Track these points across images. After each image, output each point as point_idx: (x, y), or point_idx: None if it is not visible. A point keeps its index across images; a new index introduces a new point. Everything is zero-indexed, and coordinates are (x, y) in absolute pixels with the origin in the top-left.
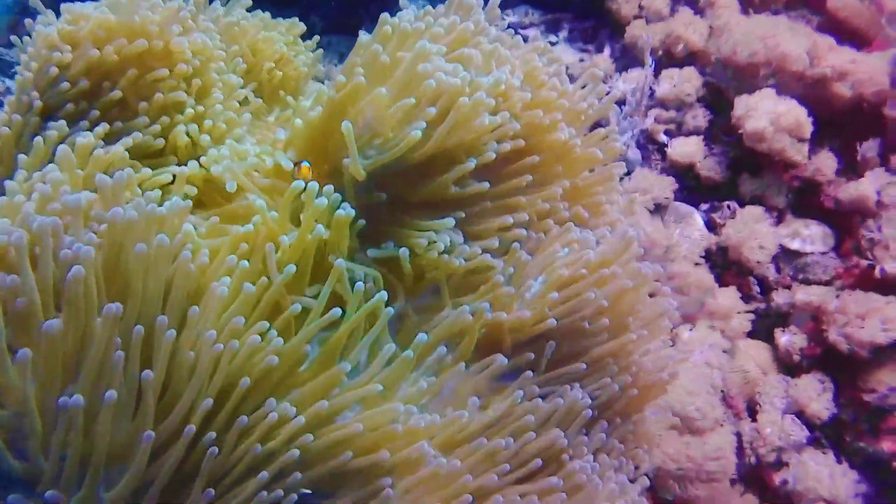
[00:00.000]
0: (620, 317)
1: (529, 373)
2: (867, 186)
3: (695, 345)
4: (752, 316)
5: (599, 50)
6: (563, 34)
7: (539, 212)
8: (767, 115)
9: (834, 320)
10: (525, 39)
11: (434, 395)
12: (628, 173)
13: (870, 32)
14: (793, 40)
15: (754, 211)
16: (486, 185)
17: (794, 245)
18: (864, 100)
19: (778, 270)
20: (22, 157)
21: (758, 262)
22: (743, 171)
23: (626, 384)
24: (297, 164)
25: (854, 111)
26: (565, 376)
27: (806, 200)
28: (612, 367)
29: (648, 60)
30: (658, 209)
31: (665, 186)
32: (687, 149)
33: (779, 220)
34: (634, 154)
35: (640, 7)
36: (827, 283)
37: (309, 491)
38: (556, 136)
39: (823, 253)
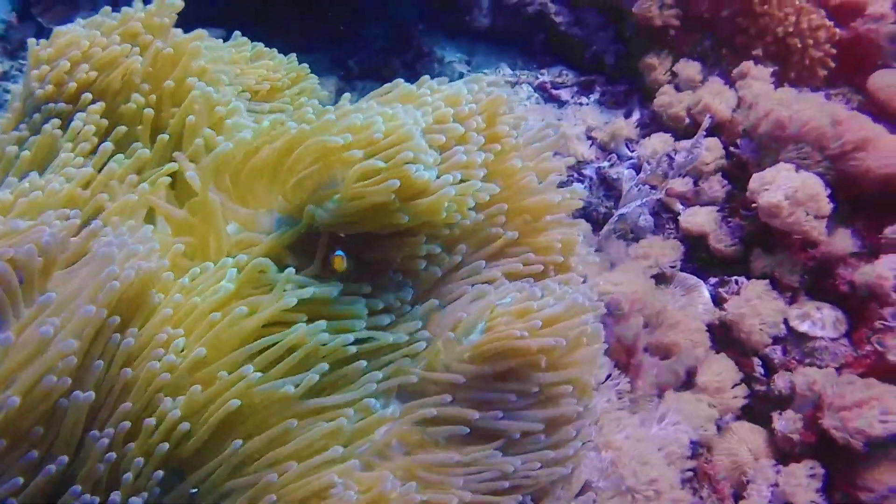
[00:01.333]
0: (558, 380)
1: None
2: (885, 270)
3: (667, 414)
4: (745, 392)
5: (629, 115)
6: (595, 96)
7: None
8: (784, 189)
9: (830, 406)
10: (556, 100)
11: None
12: (637, 240)
13: None
14: (821, 114)
15: (758, 287)
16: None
17: (804, 328)
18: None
19: (785, 353)
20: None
21: (762, 343)
22: (756, 246)
23: (549, 459)
24: (331, 250)
25: (882, 191)
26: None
27: (821, 282)
28: (539, 438)
29: (701, 140)
30: (662, 278)
31: (670, 254)
32: (699, 219)
33: (792, 300)
34: (646, 221)
35: (673, 73)
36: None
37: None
38: (510, 164)
39: (834, 339)
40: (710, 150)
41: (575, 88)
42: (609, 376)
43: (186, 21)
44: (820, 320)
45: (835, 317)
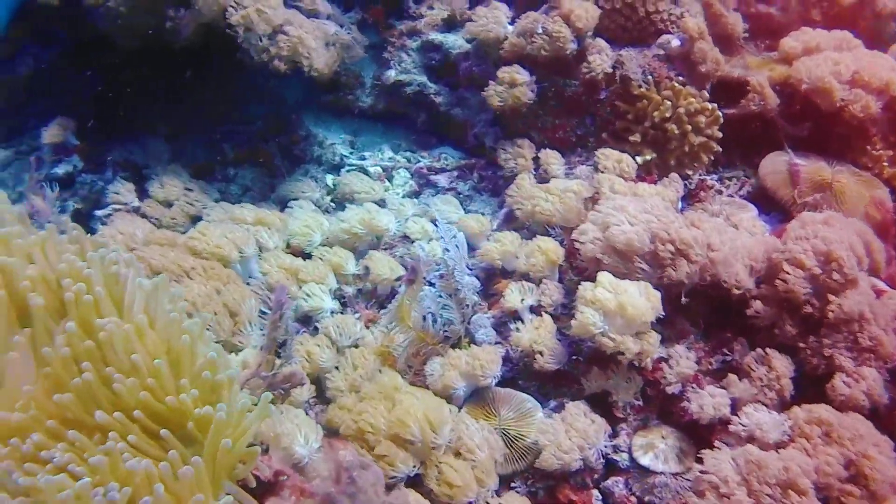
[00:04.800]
0: None
1: None
2: (721, 401)
3: None
4: None
5: (502, 204)
6: (472, 182)
7: None
8: (595, 305)
9: None
10: (434, 185)
11: None
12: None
13: (793, 208)
14: (642, 232)
15: (574, 411)
16: None
17: (645, 461)
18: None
19: (627, 486)
20: None
21: (567, 475)
22: (595, 362)
23: None
24: None
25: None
26: None
27: (671, 405)
28: None
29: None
30: (485, 398)
31: (488, 367)
32: (529, 335)
33: (643, 424)
34: (486, 335)
35: (537, 163)
36: None
37: None
38: None
39: (676, 474)
40: (545, 254)
41: (455, 173)
42: None
43: (64, 105)
44: (663, 452)
45: (679, 448)
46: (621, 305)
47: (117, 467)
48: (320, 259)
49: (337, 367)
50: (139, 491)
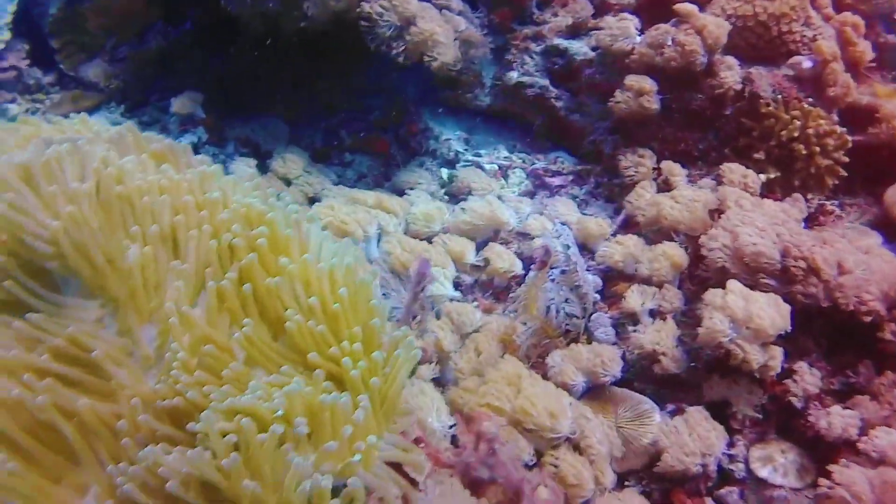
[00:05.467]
0: None
1: None
2: (851, 421)
3: None
4: None
5: (619, 211)
6: (588, 187)
7: None
8: (725, 312)
9: None
10: (549, 188)
11: None
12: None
13: None
14: (772, 245)
15: (696, 417)
16: None
17: (763, 473)
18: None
19: (742, 497)
20: None
21: (687, 478)
22: (716, 371)
23: None
24: None
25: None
26: None
27: (788, 420)
28: None
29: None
30: (604, 396)
31: (608, 364)
32: (651, 337)
33: (760, 437)
34: (606, 334)
35: (657, 172)
36: None
37: None
38: None
39: (797, 489)
40: (669, 258)
41: (570, 177)
42: None
43: (189, 83)
44: (782, 466)
45: (800, 463)
46: (750, 315)
47: (304, 399)
48: (442, 246)
49: (456, 352)
50: (321, 431)
